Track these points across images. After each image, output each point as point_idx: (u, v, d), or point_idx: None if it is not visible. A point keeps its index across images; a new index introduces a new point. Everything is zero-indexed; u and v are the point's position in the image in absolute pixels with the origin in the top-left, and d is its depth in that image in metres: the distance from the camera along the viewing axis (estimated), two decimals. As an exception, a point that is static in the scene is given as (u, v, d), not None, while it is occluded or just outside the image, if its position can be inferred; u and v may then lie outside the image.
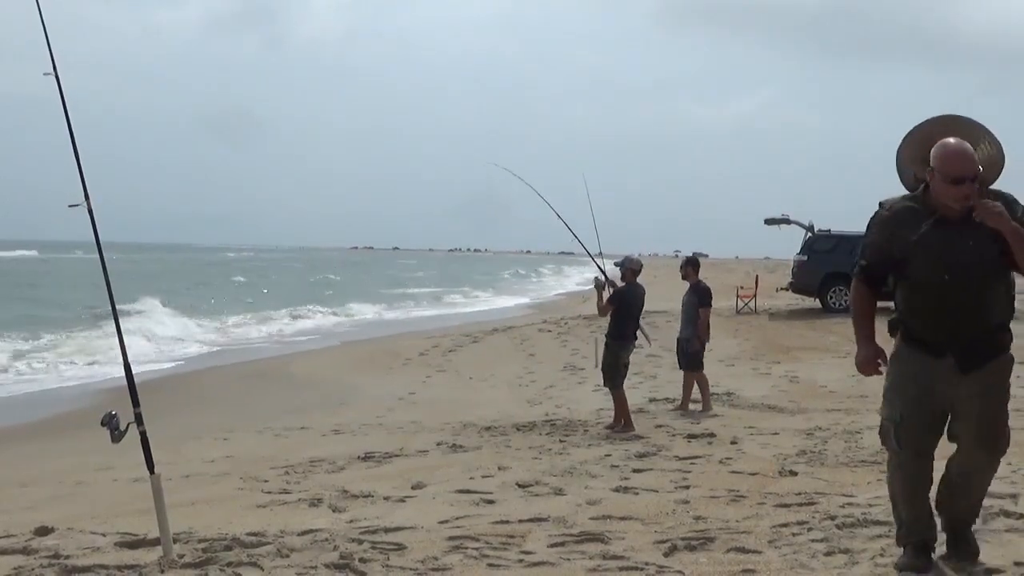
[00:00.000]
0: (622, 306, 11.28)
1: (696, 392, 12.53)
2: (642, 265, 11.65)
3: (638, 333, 11.50)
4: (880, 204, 4.72)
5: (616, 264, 11.73)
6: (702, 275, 12.96)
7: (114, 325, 5.67)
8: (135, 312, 30.56)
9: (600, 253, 13.63)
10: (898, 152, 4.83)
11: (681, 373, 12.93)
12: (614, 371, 11.19)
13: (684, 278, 12.82)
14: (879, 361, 4.76)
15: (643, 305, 11.56)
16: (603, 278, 11.57)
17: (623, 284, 11.45)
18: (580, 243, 12.93)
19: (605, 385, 11.40)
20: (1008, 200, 4.56)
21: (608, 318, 11.36)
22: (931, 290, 4.54)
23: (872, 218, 4.72)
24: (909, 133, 4.80)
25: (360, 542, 5.69)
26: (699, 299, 12.55)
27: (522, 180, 14.60)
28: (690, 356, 12.51)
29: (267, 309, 36.68)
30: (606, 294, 11.45)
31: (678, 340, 12.75)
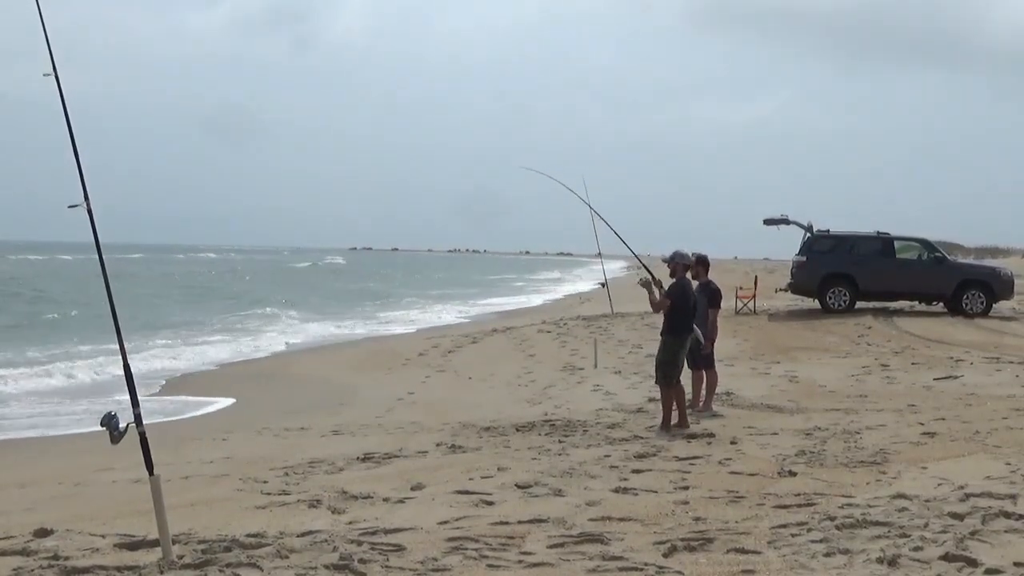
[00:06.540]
0: (681, 301, 11.02)
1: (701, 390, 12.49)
2: (691, 260, 11.56)
3: (694, 327, 11.33)
4: None
5: (664, 260, 11.53)
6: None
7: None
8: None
9: (599, 252, 13.64)
10: None
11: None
12: (671, 368, 10.87)
13: (694, 277, 12.71)
14: None
15: (696, 300, 11.40)
16: (649, 276, 11.39)
17: (674, 279, 11.20)
18: (626, 245, 12.80)
19: (657, 383, 11.10)
20: None
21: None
22: None
23: None
24: None
25: (359, 543, 5.70)
26: (709, 300, 12.46)
27: (560, 183, 14.51)
28: (704, 357, 12.42)
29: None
30: (657, 291, 11.27)
31: None
